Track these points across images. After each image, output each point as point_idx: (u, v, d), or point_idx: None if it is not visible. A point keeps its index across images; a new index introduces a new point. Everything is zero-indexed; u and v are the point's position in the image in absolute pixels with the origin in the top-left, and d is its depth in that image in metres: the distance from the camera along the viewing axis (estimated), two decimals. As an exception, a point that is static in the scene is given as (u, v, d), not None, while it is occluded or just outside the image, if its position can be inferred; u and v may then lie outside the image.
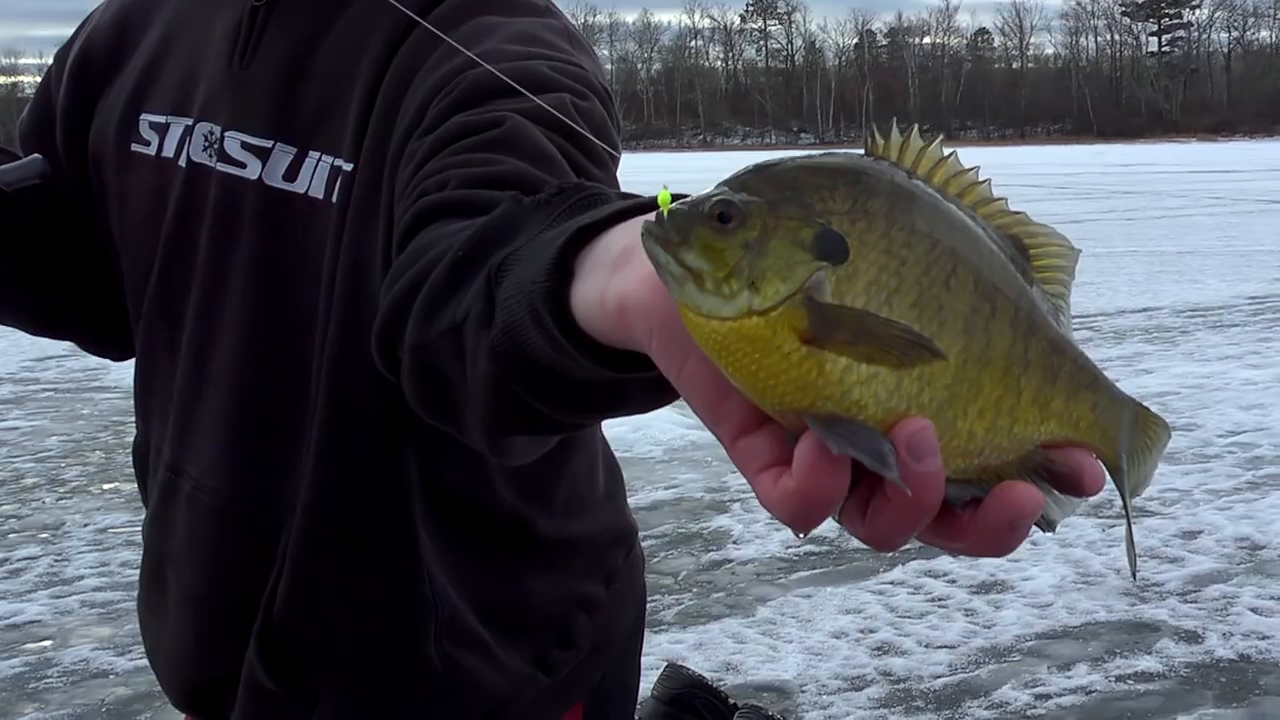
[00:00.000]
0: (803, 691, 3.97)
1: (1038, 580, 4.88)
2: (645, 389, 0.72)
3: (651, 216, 0.59)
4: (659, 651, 4.18)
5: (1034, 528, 0.60)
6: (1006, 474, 0.60)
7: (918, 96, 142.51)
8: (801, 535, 0.58)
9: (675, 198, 0.60)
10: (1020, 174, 39.94)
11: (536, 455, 1.06)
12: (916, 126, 0.61)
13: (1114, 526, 5.40)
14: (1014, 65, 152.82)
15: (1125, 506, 0.65)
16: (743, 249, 0.56)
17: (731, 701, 2.51)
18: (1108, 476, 0.63)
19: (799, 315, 0.56)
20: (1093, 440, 0.62)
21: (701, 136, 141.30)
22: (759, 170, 0.59)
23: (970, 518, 0.58)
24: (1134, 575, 0.88)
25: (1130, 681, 4.03)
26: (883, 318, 0.56)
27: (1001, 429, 0.59)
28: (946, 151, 0.61)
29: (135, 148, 1.40)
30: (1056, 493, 0.61)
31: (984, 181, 0.62)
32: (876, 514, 0.57)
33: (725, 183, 0.59)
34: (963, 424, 0.58)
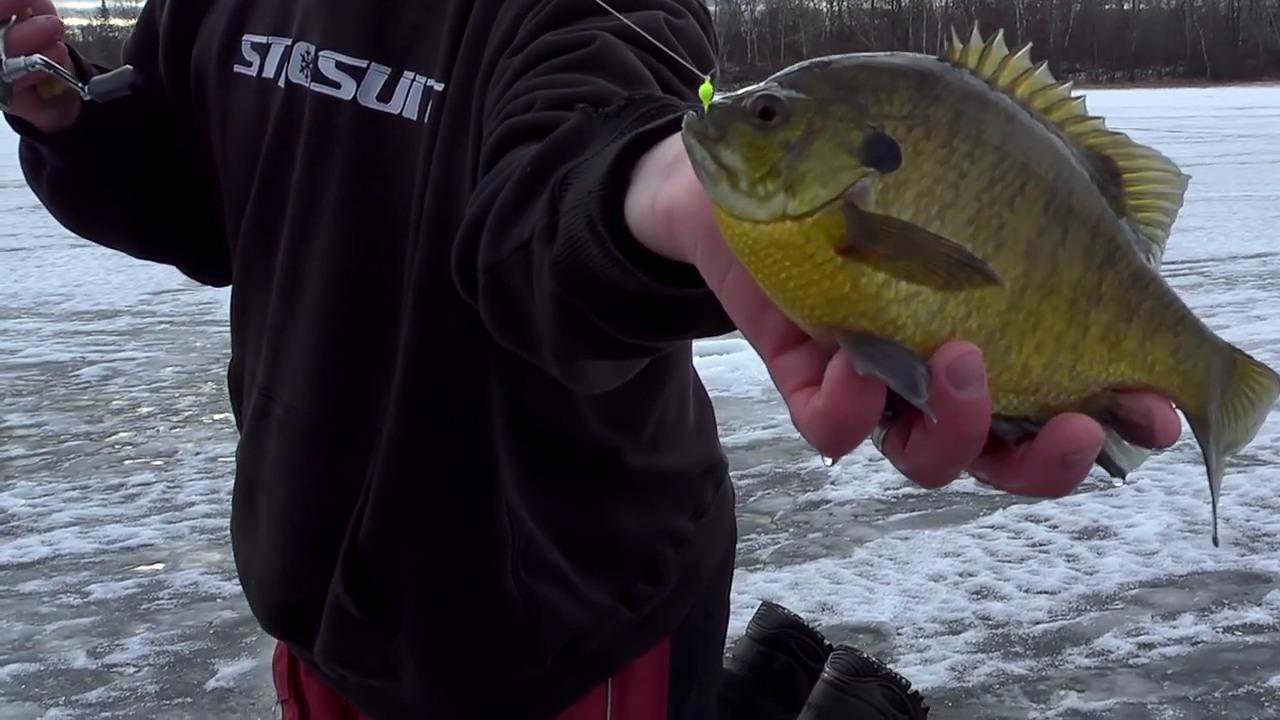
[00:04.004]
0: (899, 634, 3.96)
1: (1142, 528, 4.80)
2: (713, 310, 0.69)
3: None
4: (754, 590, 4.19)
5: (1103, 474, 0.56)
6: None
7: (1025, 38, 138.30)
8: (830, 461, 0.55)
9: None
10: (1129, 117, 38.89)
11: (616, 384, 1.03)
12: (1002, 33, 0.56)
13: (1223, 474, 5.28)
14: (1125, 6, 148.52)
15: (1209, 464, 0.60)
16: (783, 149, 0.53)
17: (827, 643, 2.49)
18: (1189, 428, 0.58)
19: (836, 223, 0.52)
20: (1170, 386, 0.57)
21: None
22: (814, 67, 0.55)
23: (1022, 453, 0.55)
24: (1215, 541, 0.82)
25: (1238, 633, 3.96)
26: (930, 233, 0.52)
27: (1062, 366, 0.55)
28: (1034, 63, 0.56)
29: (237, 68, 1.40)
30: (1124, 442, 0.56)
31: (1077, 98, 0.57)
32: (917, 445, 0.54)
33: (776, 78, 0.55)
34: (1017, 356, 0.54)
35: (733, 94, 0.55)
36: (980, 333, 0.53)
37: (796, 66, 0.55)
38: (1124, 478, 0.57)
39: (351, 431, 1.33)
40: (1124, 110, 43.88)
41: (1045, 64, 0.57)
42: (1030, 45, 0.57)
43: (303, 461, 1.36)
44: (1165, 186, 0.58)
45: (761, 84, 0.55)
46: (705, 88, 0.56)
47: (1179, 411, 0.57)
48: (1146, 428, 0.56)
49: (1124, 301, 0.56)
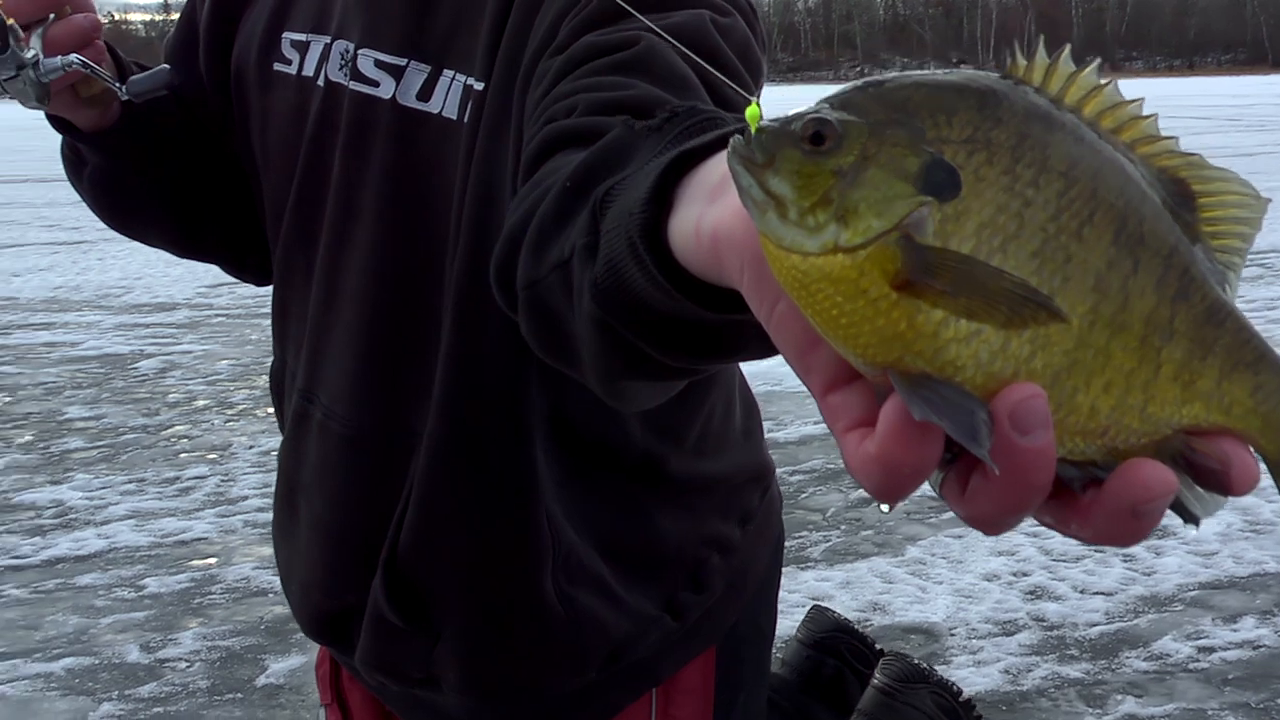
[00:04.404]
0: (952, 634, 3.91)
1: (1202, 527, 4.69)
2: (759, 335, 0.66)
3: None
4: (805, 589, 4.15)
5: (1177, 519, 0.52)
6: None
7: (1081, 26, 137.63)
8: (886, 508, 0.51)
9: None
10: (1188, 106, 38.34)
11: (660, 401, 1.01)
12: (1069, 47, 0.53)
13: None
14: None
15: None
16: (834, 176, 0.50)
17: (878, 647, 2.46)
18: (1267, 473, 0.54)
19: (891, 256, 0.49)
20: (1249, 429, 0.53)
21: (859, 69, 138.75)
22: (868, 87, 0.52)
23: (1090, 500, 0.51)
24: None
25: (1300, 637, 3.88)
26: (992, 267, 0.49)
27: (1132, 407, 0.51)
28: (1104, 79, 0.53)
29: (277, 67, 1.38)
30: (1198, 488, 0.53)
31: (1148, 116, 0.54)
32: (976, 491, 0.50)
33: (828, 99, 0.52)
34: (1084, 398, 0.51)
35: (781, 116, 0.52)
36: (1045, 373, 0.50)
37: (850, 86, 0.52)
38: (1198, 524, 0.53)
39: (391, 436, 1.31)
40: (1183, 99, 43.28)
41: (1115, 81, 0.53)
42: (1099, 60, 0.54)
43: (342, 466, 1.35)
44: (1243, 211, 0.55)
45: (812, 105, 0.52)
46: (752, 109, 0.54)
47: (1258, 455, 0.54)
48: (1222, 474, 0.52)
49: (1199, 338, 0.52)
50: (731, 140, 0.53)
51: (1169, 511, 0.52)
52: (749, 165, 0.51)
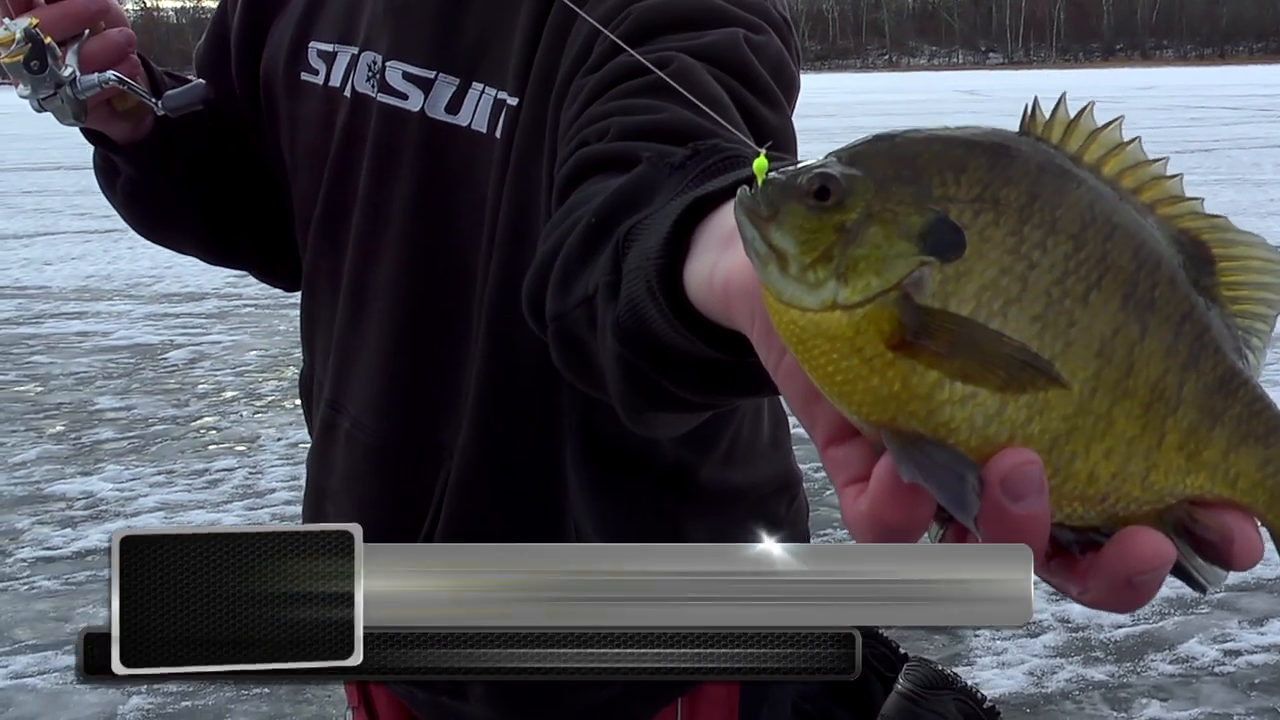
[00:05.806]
0: (975, 635, 3.91)
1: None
2: None
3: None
4: (830, 587, 4.15)
5: (1184, 586, 0.52)
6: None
7: (1111, 15, 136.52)
8: None
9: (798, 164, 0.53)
10: (1219, 95, 38.01)
11: (687, 429, 1.01)
12: (1092, 104, 0.52)
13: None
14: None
15: None
16: (836, 232, 0.50)
17: (902, 651, 2.46)
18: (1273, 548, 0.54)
19: (888, 316, 0.49)
20: (1255, 503, 0.52)
21: (887, 56, 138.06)
22: (878, 141, 0.52)
23: (1088, 564, 0.51)
24: None
25: (1327, 640, 3.86)
26: (990, 330, 0.48)
27: (1133, 475, 0.51)
28: (1127, 136, 0.52)
29: (305, 77, 1.39)
30: (1198, 559, 0.52)
31: (1172, 176, 0.53)
32: None
33: (837, 152, 0.52)
34: (1083, 464, 0.50)
35: (789, 168, 0.52)
36: (1042, 438, 0.49)
37: (861, 140, 0.52)
38: (1205, 593, 0.53)
39: (418, 448, 1.32)
40: (1214, 88, 42.91)
41: (1139, 139, 0.53)
42: (1123, 117, 0.53)
43: (370, 477, 1.36)
44: (1268, 277, 0.53)
45: (821, 158, 0.52)
46: (760, 161, 0.54)
47: (1264, 529, 0.53)
48: (1224, 546, 0.51)
49: (1207, 407, 0.52)
50: (739, 192, 0.53)
51: (1176, 579, 0.51)
52: (754, 218, 0.52)
